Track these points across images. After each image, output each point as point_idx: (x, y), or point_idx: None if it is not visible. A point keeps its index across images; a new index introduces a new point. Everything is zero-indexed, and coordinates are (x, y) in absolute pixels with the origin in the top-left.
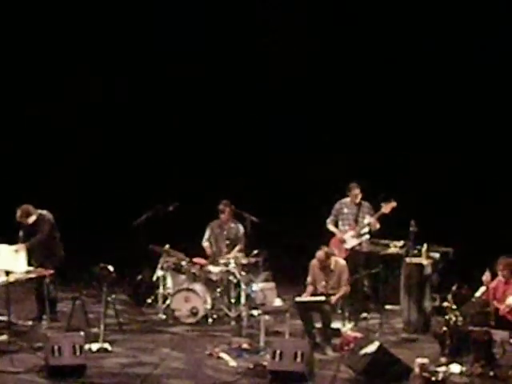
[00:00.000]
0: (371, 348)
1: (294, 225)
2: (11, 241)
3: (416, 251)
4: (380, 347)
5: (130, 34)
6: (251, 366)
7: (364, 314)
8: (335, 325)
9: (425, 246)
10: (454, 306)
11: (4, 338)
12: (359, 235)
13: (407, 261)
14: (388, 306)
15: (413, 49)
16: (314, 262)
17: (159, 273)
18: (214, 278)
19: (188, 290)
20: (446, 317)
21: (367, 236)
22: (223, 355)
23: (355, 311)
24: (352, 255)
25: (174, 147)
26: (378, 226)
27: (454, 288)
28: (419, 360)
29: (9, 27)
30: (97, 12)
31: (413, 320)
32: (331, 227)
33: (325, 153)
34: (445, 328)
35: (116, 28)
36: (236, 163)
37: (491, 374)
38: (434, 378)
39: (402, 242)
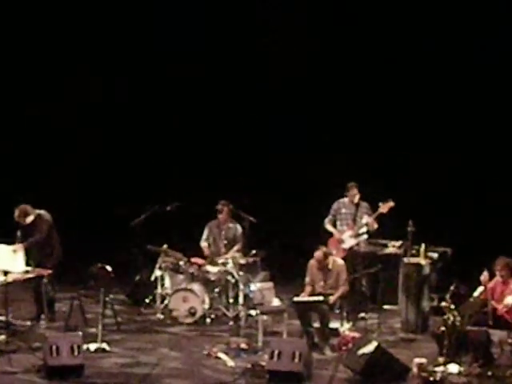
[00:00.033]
0: (369, 348)
1: (294, 225)
2: (9, 241)
3: (414, 251)
4: (378, 347)
5: (130, 34)
6: (249, 366)
7: (362, 314)
8: (333, 325)
9: (423, 245)
10: (452, 306)
11: (2, 338)
12: (357, 235)
13: (405, 261)
14: (386, 306)
15: (413, 49)
16: (313, 261)
17: (157, 273)
18: (212, 277)
19: (186, 289)
20: (444, 317)
21: (365, 236)
22: (221, 355)
23: (353, 311)
24: (350, 255)
25: (173, 147)
26: (375, 225)
27: (452, 288)
28: (417, 360)
29: (9, 27)
30: (97, 12)
31: (411, 320)
32: (329, 227)
33: (325, 153)
34: (443, 328)
35: (116, 28)
36: (236, 163)
37: (489, 373)
38: (432, 378)
39: (400, 242)
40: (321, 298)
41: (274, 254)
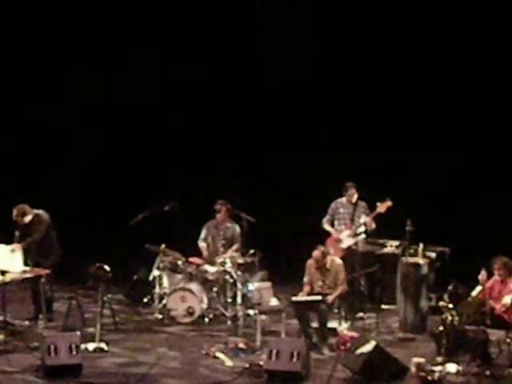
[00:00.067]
0: (367, 347)
1: (293, 225)
2: (7, 240)
3: (412, 251)
4: (376, 347)
5: (130, 34)
6: (247, 366)
7: (360, 314)
8: (331, 324)
9: (421, 245)
10: (451, 306)
11: (0, 337)
12: (355, 235)
13: (403, 260)
14: (384, 306)
15: (413, 49)
16: (311, 261)
17: (155, 272)
18: (211, 277)
19: (184, 289)
20: (443, 316)
21: (363, 235)
22: (219, 355)
23: (351, 311)
24: (348, 255)
25: (173, 147)
26: (373, 225)
27: (450, 287)
28: (415, 359)
29: (9, 27)
30: (97, 12)
31: (409, 319)
32: (327, 227)
33: (325, 153)
34: (441, 327)
35: (116, 28)
36: (236, 163)
37: (487, 373)
38: (430, 378)
39: (398, 242)
40: (319, 297)
41: (272, 253)
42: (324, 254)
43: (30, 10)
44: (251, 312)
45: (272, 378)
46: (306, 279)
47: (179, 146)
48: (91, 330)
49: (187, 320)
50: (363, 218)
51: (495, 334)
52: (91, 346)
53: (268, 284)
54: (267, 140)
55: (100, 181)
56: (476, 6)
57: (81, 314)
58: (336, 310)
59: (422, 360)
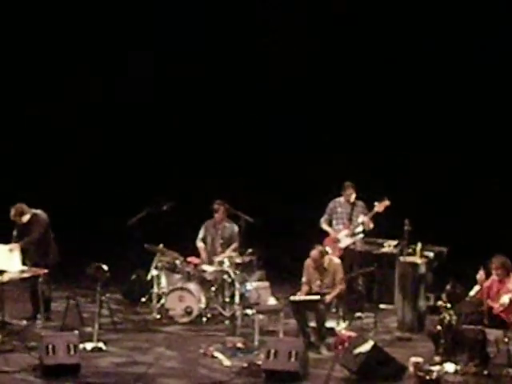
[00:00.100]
0: (365, 347)
1: (293, 224)
2: (5, 240)
3: (410, 250)
4: (374, 346)
5: (130, 34)
6: (245, 366)
7: (358, 313)
8: (330, 324)
9: (419, 245)
10: (449, 305)
11: None
12: (353, 234)
13: (401, 260)
14: (382, 305)
15: (413, 49)
16: (309, 261)
17: (153, 272)
18: (209, 277)
19: (182, 289)
20: (441, 316)
21: (361, 235)
22: (217, 354)
23: (350, 310)
24: (346, 254)
25: (174, 147)
26: (371, 225)
27: (448, 287)
28: (413, 359)
29: (9, 27)
30: (97, 12)
31: (407, 319)
32: (325, 226)
33: (325, 153)
34: (439, 327)
35: (116, 28)
36: (236, 163)
37: (485, 372)
38: (428, 377)
39: (396, 241)
40: (317, 297)
41: (270, 253)
42: (322, 254)
43: (30, 10)
44: (249, 312)
45: (270, 377)
46: (304, 279)
47: (179, 146)
48: (89, 329)
49: (185, 320)
50: (361, 218)
51: (493, 334)
52: (89, 346)
53: (266, 284)
54: (267, 140)
55: (100, 181)
56: (476, 6)
57: (79, 313)
58: (334, 310)
59: (420, 360)
